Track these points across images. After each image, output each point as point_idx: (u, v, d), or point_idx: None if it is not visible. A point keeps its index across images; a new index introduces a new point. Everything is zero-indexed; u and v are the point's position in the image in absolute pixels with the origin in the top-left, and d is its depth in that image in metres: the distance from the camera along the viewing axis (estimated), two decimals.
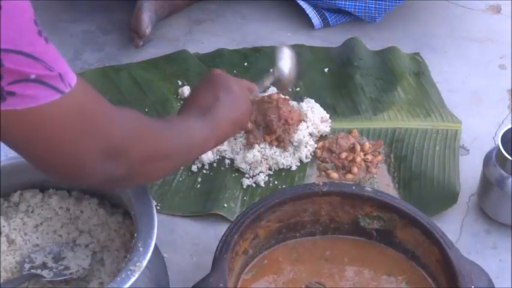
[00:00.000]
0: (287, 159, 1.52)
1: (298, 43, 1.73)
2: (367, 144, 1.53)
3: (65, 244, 1.28)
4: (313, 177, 1.51)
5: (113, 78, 1.65)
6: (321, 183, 1.30)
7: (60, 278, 1.24)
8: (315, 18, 1.78)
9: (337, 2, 1.75)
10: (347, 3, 1.75)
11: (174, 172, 1.50)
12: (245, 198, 1.47)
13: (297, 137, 1.51)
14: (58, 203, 1.31)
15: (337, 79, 1.67)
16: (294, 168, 1.52)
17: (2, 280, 1.23)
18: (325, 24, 1.78)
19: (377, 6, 1.74)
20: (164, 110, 1.59)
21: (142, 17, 1.68)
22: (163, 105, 1.61)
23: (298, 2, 1.79)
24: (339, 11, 1.78)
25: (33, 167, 1.00)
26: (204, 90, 1.26)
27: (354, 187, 1.31)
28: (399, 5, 1.75)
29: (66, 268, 1.25)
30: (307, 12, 1.78)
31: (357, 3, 1.75)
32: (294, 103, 1.58)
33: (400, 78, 1.66)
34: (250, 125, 1.52)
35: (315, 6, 1.78)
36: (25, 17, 0.94)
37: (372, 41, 1.75)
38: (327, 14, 1.78)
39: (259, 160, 1.50)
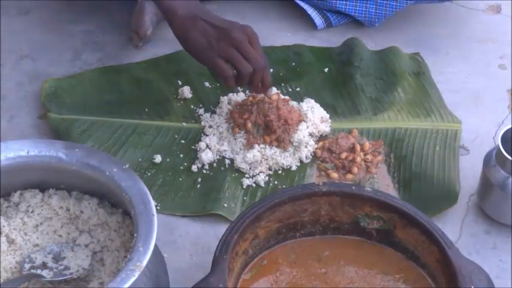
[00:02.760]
0: (287, 160, 1.52)
1: (298, 43, 1.73)
2: (367, 144, 1.53)
3: (65, 244, 1.28)
4: (313, 177, 1.51)
5: (113, 78, 1.65)
6: (320, 183, 1.30)
7: (60, 278, 1.24)
8: (317, 18, 1.78)
9: (337, 4, 1.75)
10: (347, 6, 1.75)
11: (174, 172, 1.50)
12: (245, 198, 1.47)
13: (297, 137, 1.52)
14: (58, 203, 1.31)
15: (337, 79, 1.67)
16: (294, 168, 1.52)
17: (2, 280, 1.24)
18: (328, 24, 1.78)
19: (377, 11, 1.74)
20: (164, 110, 1.60)
21: (143, 19, 1.68)
22: (163, 105, 1.61)
23: (300, 3, 1.79)
24: (340, 12, 1.78)
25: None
26: None
27: (353, 187, 1.31)
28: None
29: (66, 268, 1.25)
30: (309, 13, 1.78)
31: (358, 8, 1.75)
32: (294, 103, 1.58)
33: (400, 78, 1.66)
34: (249, 126, 1.52)
35: (316, 7, 1.78)
36: None
37: (372, 41, 1.75)
38: (328, 15, 1.78)
39: (259, 160, 1.50)
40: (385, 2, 1.74)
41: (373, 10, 1.75)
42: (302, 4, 1.78)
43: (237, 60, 1.45)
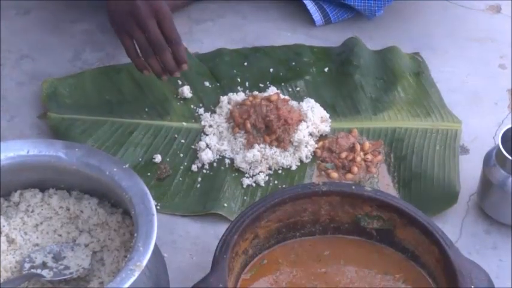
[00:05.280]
0: (287, 159, 1.52)
1: (298, 43, 1.73)
2: (367, 144, 1.53)
3: (65, 244, 1.29)
4: (313, 177, 1.51)
5: (113, 78, 1.65)
6: (320, 183, 1.30)
7: (60, 278, 1.24)
8: (316, 14, 1.78)
9: None
10: None
11: (174, 172, 1.50)
12: (245, 198, 1.47)
13: (297, 136, 1.52)
14: (58, 202, 1.31)
15: (337, 79, 1.67)
16: (294, 168, 1.52)
17: (2, 280, 1.24)
18: (327, 20, 1.78)
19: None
20: (164, 110, 1.60)
21: None
22: (163, 105, 1.61)
23: (303, 0, 1.78)
24: (340, 6, 1.77)
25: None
26: None
27: (353, 187, 1.31)
28: (399, 2, 1.74)
29: (66, 268, 1.25)
30: (309, 8, 1.78)
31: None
32: (293, 103, 1.58)
33: (400, 78, 1.66)
34: (248, 127, 1.52)
35: (316, 2, 1.78)
36: None
37: (372, 40, 1.75)
38: (328, 10, 1.78)
39: (259, 160, 1.50)
40: None
41: None
42: (306, 2, 1.78)
43: (135, 37, 1.47)
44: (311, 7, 1.78)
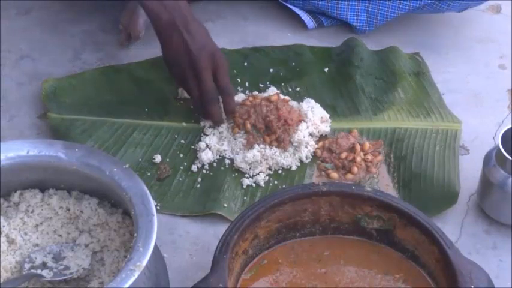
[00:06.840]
0: (287, 159, 1.52)
1: (298, 43, 1.73)
2: (367, 144, 1.53)
3: (65, 244, 1.29)
4: (313, 177, 1.51)
5: (113, 78, 1.65)
6: (320, 183, 1.30)
7: (60, 278, 1.24)
8: (308, 19, 1.78)
9: (329, 10, 1.75)
10: (339, 12, 1.75)
11: (174, 172, 1.50)
12: (245, 198, 1.47)
13: (297, 137, 1.52)
14: (58, 202, 1.31)
15: (337, 79, 1.67)
16: (294, 168, 1.52)
17: (2, 280, 1.24)
18: (319, 24, 1.78)
19: (368, 19, 1.74)
20: (164, 110, 1.60)
21: (137, 20, 1.68)
22: (163, 105, 1.61)
23: (291, 7, 1.78)
24: (333, 17, 1.78)
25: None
26: None
27: (353, 187, 1.31)
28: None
29: (66, 268, 1.25)
30: (299, 13, 1.78)
31: (349, 17, 1.75)
32: (293, 103, 1.58)
33: (400, 78, 1.66)
34: (248, 127, 1.52)
35: (309, 12, 1.78)
36: None
37: (372, 41, 1.75)
38: (320, 17, 1.78)
39: (259, 160, 1.50)
40: (375, 11, 1.74)
41: (364, 18, 1.75)
42: (295, 9, 1.78)
43: (189, 88, 1.51)
44: (301, 13, 1.78)
